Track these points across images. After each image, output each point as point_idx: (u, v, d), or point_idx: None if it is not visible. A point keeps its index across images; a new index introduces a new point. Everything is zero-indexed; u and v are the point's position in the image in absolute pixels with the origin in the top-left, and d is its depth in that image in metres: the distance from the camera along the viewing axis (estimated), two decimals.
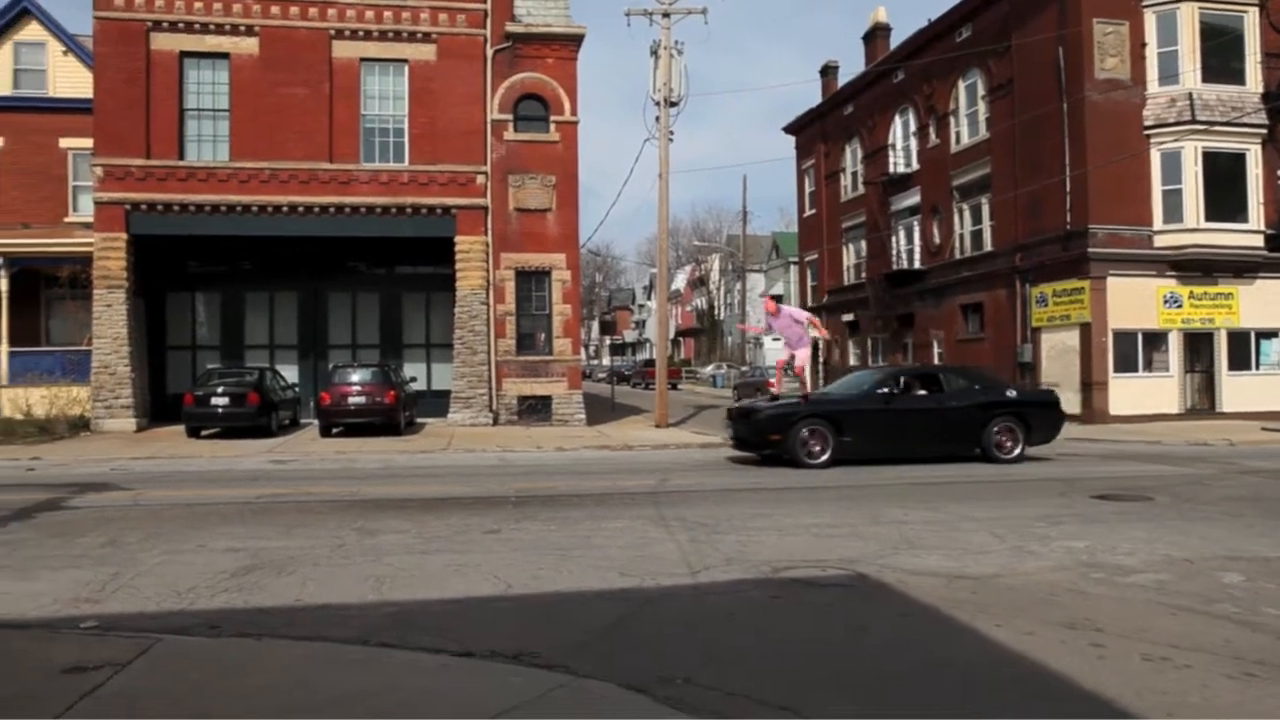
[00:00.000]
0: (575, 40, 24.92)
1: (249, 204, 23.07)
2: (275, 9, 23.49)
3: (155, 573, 7.33)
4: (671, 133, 24.48)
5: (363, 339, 25.81)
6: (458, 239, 23.96)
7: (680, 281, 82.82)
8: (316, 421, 21.51)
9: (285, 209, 23.19)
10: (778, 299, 19.04)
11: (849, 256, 40.57)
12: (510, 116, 24.44)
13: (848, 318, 40.29)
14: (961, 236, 31.71)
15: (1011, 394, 16.39)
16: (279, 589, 6.80)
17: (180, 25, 23.18)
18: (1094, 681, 4.73)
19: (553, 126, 24.64)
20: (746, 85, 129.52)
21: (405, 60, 24.19)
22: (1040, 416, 16.16)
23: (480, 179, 24.10)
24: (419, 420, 23.57)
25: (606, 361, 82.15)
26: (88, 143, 24.02)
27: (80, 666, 4.77)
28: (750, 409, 15.97)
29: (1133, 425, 23.89)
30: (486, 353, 23.91)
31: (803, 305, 46.62)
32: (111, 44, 22.91)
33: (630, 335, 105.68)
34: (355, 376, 20.96)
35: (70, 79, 26.72)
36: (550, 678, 4.81)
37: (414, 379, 24.24)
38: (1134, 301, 25.21)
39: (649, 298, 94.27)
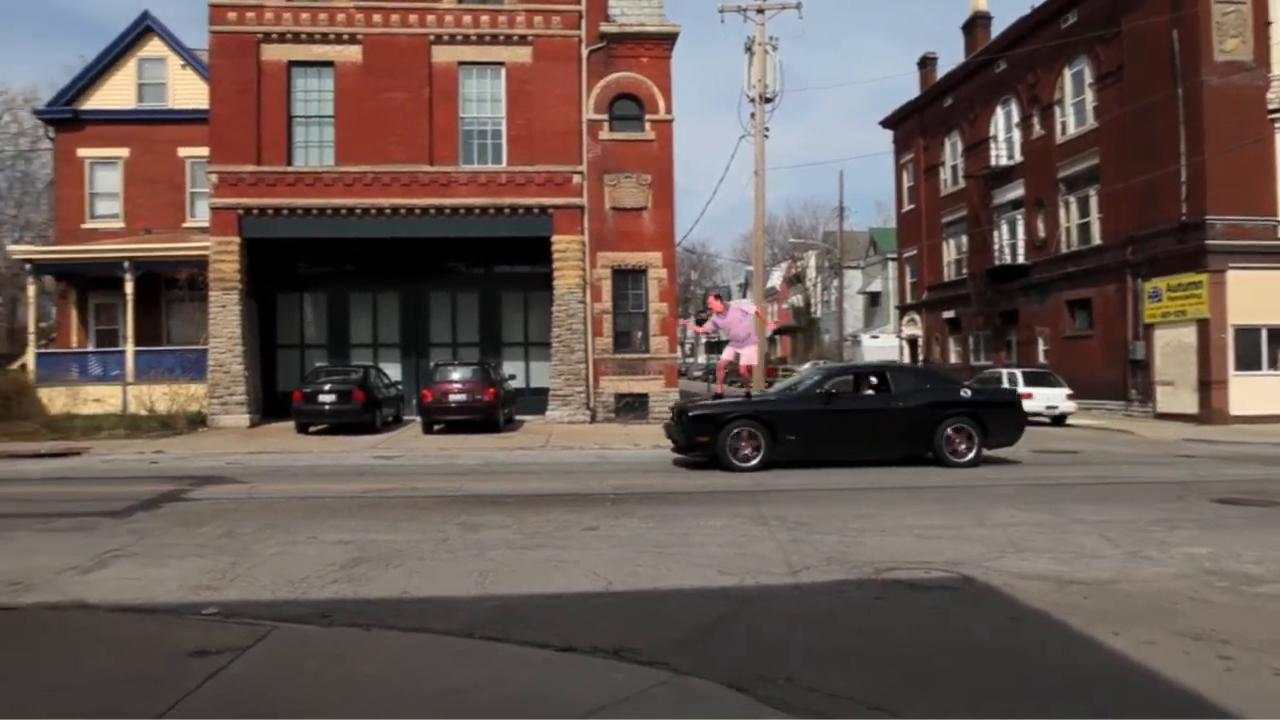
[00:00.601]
0: (669, 39, 24.95)
1: (353, 207, 23.77)
2: (377, 17, 24.13)
3: (270, 563, 7.61)
4: (767, 129, 24.34)
5: (463, 337, 26.33)
6: (555, 238, 24.25)
7: (776, 279, 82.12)
8: (419, 418, 22.01)
9: (388, 211, 23.82)
10: (721, 297, 17.78)
11: (949, 252, 39.66)
12: (605, 116, 24.61)
13: (948, 315, 39.40)
14: (1068, 230, 30.66)
15: (965, 393, 15.49)
16: (386, 581, 6.98)
17: (288, 36, 24.00)
18: (1222, 695, 4.52)
19: (647, 125, 24.72)
20: (842, 80, 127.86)
21: (502, 63, 24.58)
22: (998, 417, 15.16)
23: (576, 179, 24.33)
24: (518, 417, 23.93)
25: (702, 359, 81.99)
26: (204, 151, 25.10)
27: (204, 650, 4.97)
28: (683, 409, 15.23)
29: (1256, 426, 22.75)
30: (584, 351, 24.14)
31: (901, 302, 45.79)
32: (225, 56, 23.87)
33: None
34: (456, 374, 21.37)
35: (188, 91, 27.94)
36: (652, 674, 4.82)
37: (513, 377, 24.62)
38: (1257, 296, 23.99)
39: (745, 295, 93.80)
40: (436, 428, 21.41)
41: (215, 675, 4.61)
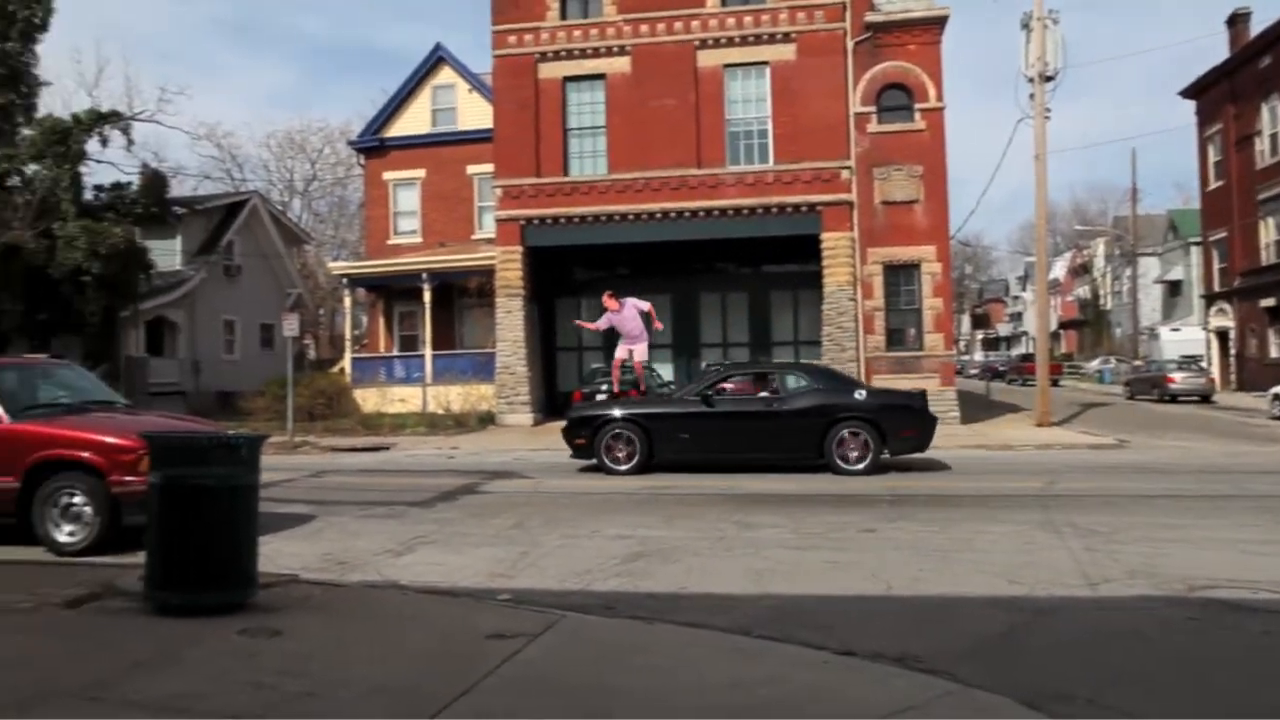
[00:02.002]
0: (938, 23, 23.94)
1: (625, 213, 24.62)
2: (645, 28, 24.86)
3: (556, 554, 8.03)
4: (1048, 110, 22.73)
5: (733, 337, 26.59)
6: (823, 235, 23.93)
7: (1059, 270, 76.71)
8: None
9: (658, 215, 24.47)
10: (616, 295, 16.38)
11: (1268, 232, 35.33)
12: (873, 108, 23.98)
13: (1267, 303, 35.11)
14: None
15: (859, 395, 14.09)
16: (665, 576, 7.16)
17: (563, 54, 25.25)
18: None
19: (917, 115, 23.84)
20: (1132, 48, 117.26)
21: (766, 62, 24.57)
22: (897, 421, 13.70)
23: (844, 174, 23.90)
24: None
25: (978, 357, 78.06)
26: (489, 167, 26.93)
27: (500, 634, 5.32)
28: (571, 410, 14.63)
29: None
30: (855, 349, 23.65)
31: (1208, 291, 41.43)
32: (507, 78, 25.49)
33: (1004, 328, 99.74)
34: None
35: (474, 113, 30.10)
36: (936, 683, 4.63)
37: None
38: None
39: (1024, 288, 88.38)
40: None
41: (511, 658, 4.91)
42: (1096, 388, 46.29)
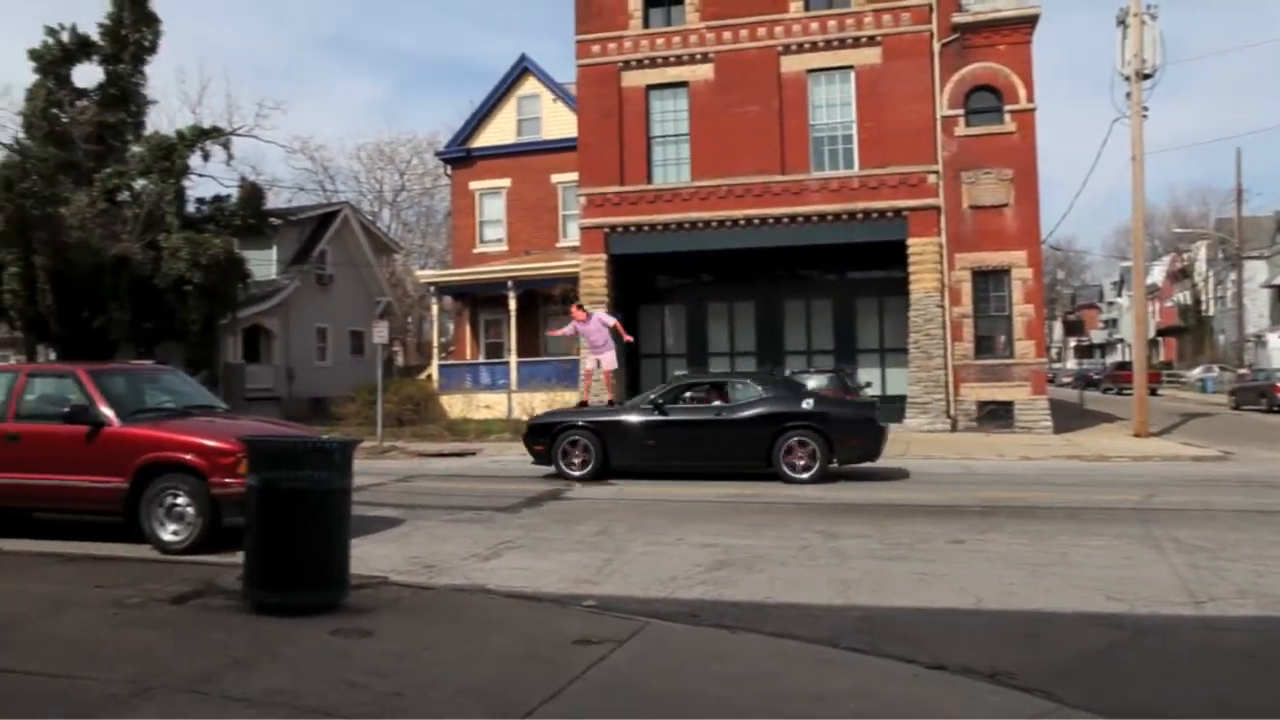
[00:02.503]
0: (1028, 22, 23.37)
1: (708, 220, 24.60)
2: (727, 35, 24.83)
3: (640, 561, 8.04)
4: (1145, 109, 21.99)
5: (817, 345, 26.31)
6: (910, 241, 23.55)
7: (1158, 274, 74.05)
8: None
9: (741, 222, 24.39)
10: (583, 306, 17.65)
11: None
12: (960, 111, 23.52)
13: None
14: None
15: (807, 405, 13.96)
16: (749, 585, 7.11)
17: (645, 62, 25.38)
18: None
19: (1007, 117, 23.30)
20: (1237, 40, 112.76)
21: (851, 66, 24.31)
22: (846, 431, 13.70)
23: (931, 178, 23.48)
24: None
25: (1071, 364, 75.89)
26: (573, 176, 27.20)
27: (586, 639, 5.35)
28: (531, 419, 15.21)
29: None
30: (942, 357, 23.20)
31: None
32: (590, 87, 25.73)
33: (1098, 335, 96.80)
34: (811, 383, 21.36)
35: (558, 122, 30.42)
36: (1031, 702, 4.51)
37: (868, 384, 24.18)
38: None
39: (1119, 294, 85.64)
40: None
41: (597, 664, 4.93)
42: (1198, 397, 44.49)
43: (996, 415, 22.97)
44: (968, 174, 23.30)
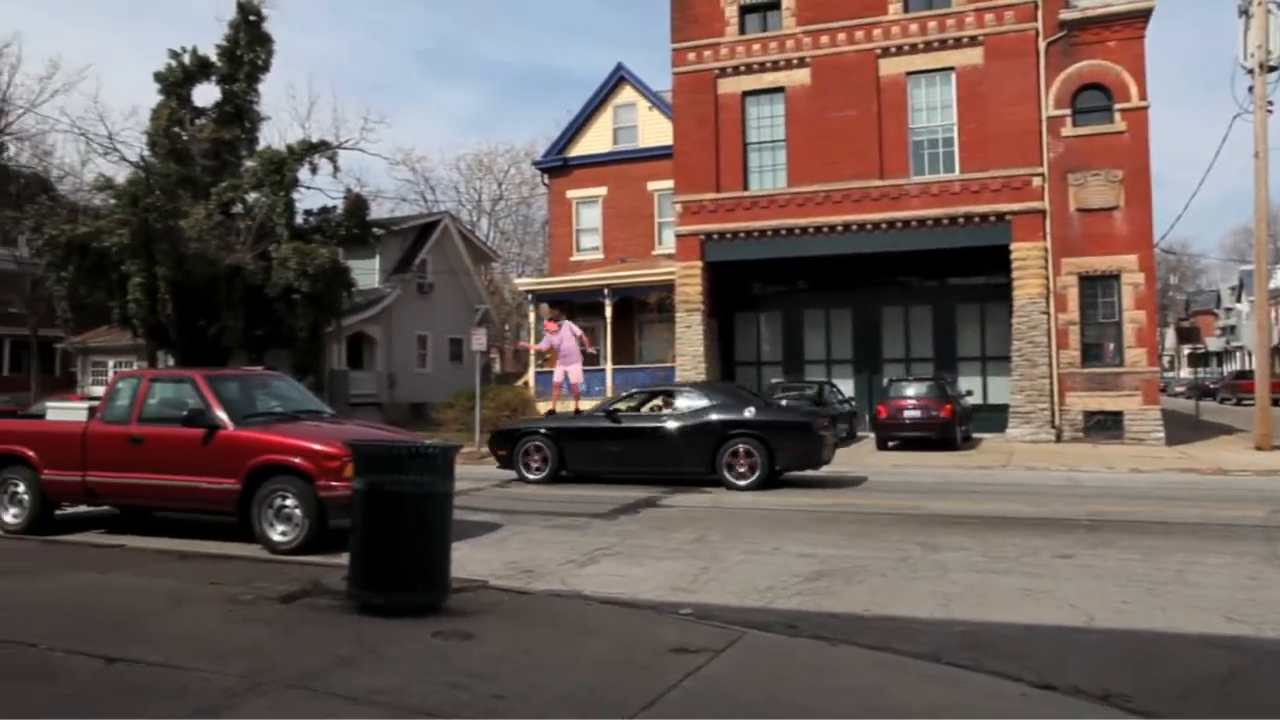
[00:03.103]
0: (1141, 16, 22.49)
1: (805, 226, 24.37)
2: (824, 38, 24.58)
3: (737, 570, 7.99)
4: (1269, 103, 20.92)
5: (916, 352, 25.81)
6: (1013, 246, 22.91)
7: None
8: (872, 434, 21.93)
9: (839, 228, 24.09)
10: (557, 318, 18.81)
11: None
12: (1067, 111, 22.78)
13: None
14: None
15: (749, 413, 14.18)
16: (848, 596, 7.00)
17: (741, 68, 25.30)
18: None
19: (1117, 115, 22.48)
20: None
21: (951, 68, 23.80)
22: (786, 439, 13.88)
23: (1036, 181, 22.81)
24: (975, 435, 22.87)
25: (1184, 373, 72.63)
26: (669, 184, 27.26)
27: (683, 648, 5.33)
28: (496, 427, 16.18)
29: None
30: (1047, 365, 22.48)
31: None
32: (686, 94, 25.78)
33: (1214, 343, 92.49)
34: (910, 390, 21.03)
35: (654, 130, 30.56)
36: None
37: (969, 393, 23.63)
38: None
39: (1238, 299, 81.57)
40: (891, 444, 21.16)
41: (694, 673, 4.92)
42: None
43: (1104, 426, 22.14)
44: (1074, 175, 22.56)
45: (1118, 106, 22.48)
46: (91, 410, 10.31)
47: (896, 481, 15.35)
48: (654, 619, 6.21)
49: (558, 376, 18.16)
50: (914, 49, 23.97)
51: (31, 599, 6.71)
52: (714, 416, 14.26)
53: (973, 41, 23.50)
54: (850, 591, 7.15)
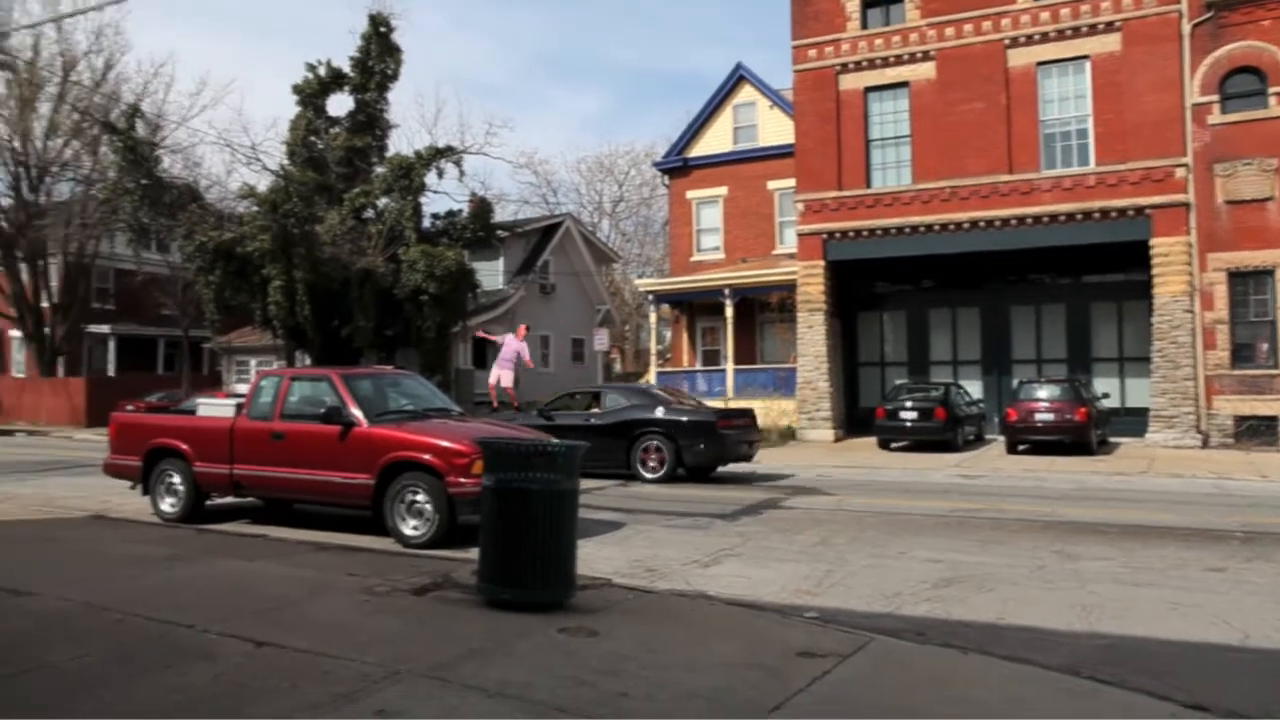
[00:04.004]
0: None
1: (930, 223, 23.76)
2: (949, 30, 23.91)
3: (862, 574, 7.85)
4: None
5: (1048, 353, 24.83)
6: (1153, 241, 21.80)
7: None
8: (1001, 438, 21.23)
9: (965, 225, 23.40)
10: (530, 328, 20.73)
11: None
12: (1215, 97, 21.54)
13: None
14: None
15: (659, 413, 15.41)
16: (979, 604, 6.80)
17: (864, 64, 24.84)
18: None
19: (1272, 100, 21.09)
20: None
21: (1085, 56, 22.80)
22: (690, 436, 15.00)
23: (1179, 172, 21.66)
24: (1112, 440, 21.89)
25: None
26: (789, 182, 27.00)
27: (810, 652, 5.28)
28: None
29: None
30: (1191, 366, 21.31)
31: None
32: (807, 91, 25.46)
33: None
34: (1042, 392, 20.25)
35: (774, 129, 30.28)
36: None
37: (1105, 395, 22.59)
38: None
39: None
40: (1021, 448, 20.44)
41: (821, 677, 4.86)
42: None
43: (1257, 431, 20.85)
44: (1222, 165, 21.33)
45: (1272, 90, 21.12)
46: (238, 407, 10.86)
47: (1028, 486, 14.83)
48: (779, 621, 6.16)
49: (492, 379, 18.90)
50: (1045, 38, 23.08)
51: (188, 583, 7.11)
52: (629, 416, 15.57)
53: (1109, 28, 22.47)
54: (981, 599, 6.94)
